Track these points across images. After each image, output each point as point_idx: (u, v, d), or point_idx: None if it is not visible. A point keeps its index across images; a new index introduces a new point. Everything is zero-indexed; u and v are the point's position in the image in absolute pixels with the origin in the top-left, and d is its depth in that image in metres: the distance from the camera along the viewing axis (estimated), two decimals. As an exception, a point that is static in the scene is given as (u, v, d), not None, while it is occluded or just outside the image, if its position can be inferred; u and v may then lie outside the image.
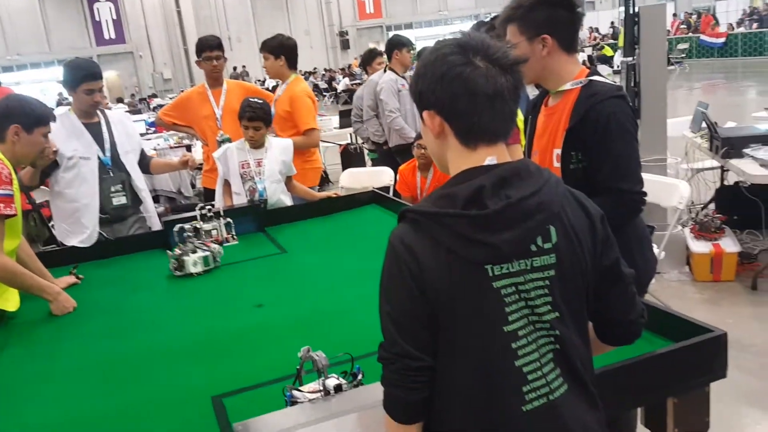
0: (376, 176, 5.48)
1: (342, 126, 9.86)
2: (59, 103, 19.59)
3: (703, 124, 5.69)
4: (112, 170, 3.82)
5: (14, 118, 2.97)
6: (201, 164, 5.42)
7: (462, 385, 1.37)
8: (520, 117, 2.95)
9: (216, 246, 3.32)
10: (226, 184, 4.07)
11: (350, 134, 9.61)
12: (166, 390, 2.09)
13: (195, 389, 2.04)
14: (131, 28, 33.88)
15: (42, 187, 3.99)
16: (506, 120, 1.41)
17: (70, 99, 3.86)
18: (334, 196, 4.30)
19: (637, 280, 1.58)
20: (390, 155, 6.16)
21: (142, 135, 8.14)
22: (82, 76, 3.67)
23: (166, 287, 3.13)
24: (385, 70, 6.24)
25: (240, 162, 3.98)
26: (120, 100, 21.53)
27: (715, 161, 5.51)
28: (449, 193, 1.37)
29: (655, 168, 5.06)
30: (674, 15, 30.16)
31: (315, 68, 33.99)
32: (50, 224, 4.21)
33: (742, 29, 26.24)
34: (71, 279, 3.21)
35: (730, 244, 5.05)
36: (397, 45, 6.13)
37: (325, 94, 27.80)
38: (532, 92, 2.75)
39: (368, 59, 6.95)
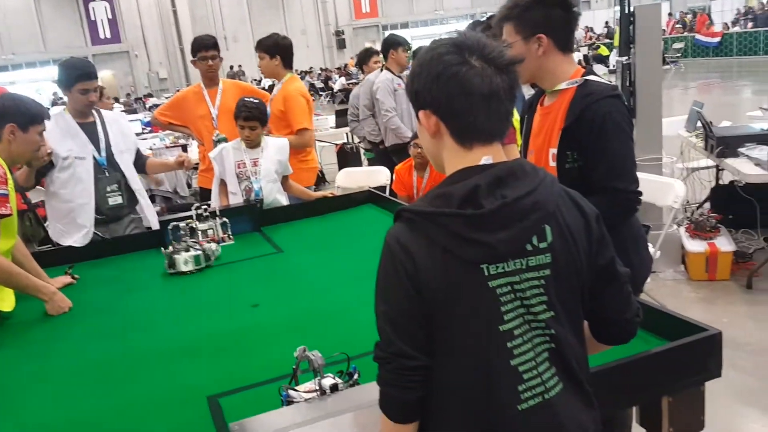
0: (373, 176, 5.48)
1: (338, 125, 9.85)
2: (54, 103, 19.56)
3: (699, 124, 5.71)
4: (107, 170, 3.81)
5: (9, 117, 2.97)
6: (197, 164, 5.41)
7: (457, 385, 1.37)
8: (516, 116, 2.95)
9: (211, 245, 3.32)
10: (222, 183, 4.06)
11: (346, 134, 9.61)
12: (163, 390, 2.09)
13: (191, 389, 2.04)
14: (127, 28, 33.81)
15: (37, 187, 3.98)
16: (502, 120, 1.41)
17: (65, 98, 3.85)
18: (330, 195, 4.30)
19: (632, 279, 1.58)
20: (386, 155, 6.16)
21: (137, 135, 8.14)
22: (77, 75, 3.66)
23: (161, 287, 3.13)
24: (381, 70, 6.24)
25: (236, 161, 3.98)
26: (116, 100, 21.48)
27: (711, 160, 5.53)
28: (445, 193, 1.37)
29: (651, 167, 5.07)
30: (669, 14, 30.21)
31: (311, 68, 33.97)
32: (45, 224, 4.20)
33: (737, 29, 26.29)
34: (67, 279, 3.21)
35: (725, 243, 5.06)
36: (393, 44, 6.13)
37: (321, 93, 27.79)
38: (527, 92, 2.75)
39: (364, 58, 6.95)
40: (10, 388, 2.23)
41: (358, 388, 1.69)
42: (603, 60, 23.52)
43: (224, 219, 3.64)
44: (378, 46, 6.93)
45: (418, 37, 30.13)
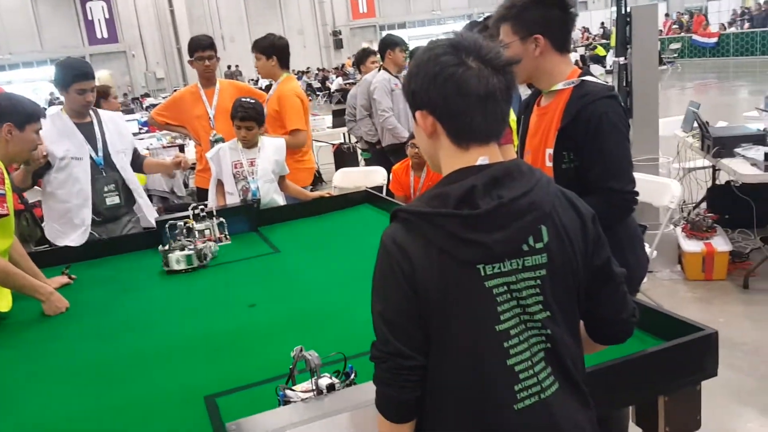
0: (369, 176, 5.49)
1: (335, 125, 9.85)
2: (51, 103, 19.52)
3: (695, 124, 5.72)
4: (104, 170, 3.81)
5: (6, 116, 2.96)
6: (194, 164, 5.41)
7: (454, 384, 1.38)
8: (513, 117, 2.96)
9: (206, 245, 3.31)
10: (219, 183, 4.06)
11: (343, 134, 9.61)
12: (160, 390, 2.09)
13: (188, 389, 2.04)
14: (124, 28, 33.77)
15: (35, 187, 3.98)
16: (498, 120, 1.42)
17: (62, 98, 3.85)
18: (327, 195, 4.30)
19: (628, 279, 1.58)
20: (383, 155, 6.16)
21: (134, 135, 8.12)
22: (74, 75, 3.66)
23: (158, 287, 3.13)
24: (379, 70, 6.24)
25: (233, 162, 3.98)
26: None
27: (707, 160, 5.54)
28: (441, 193, 1.37)
29: (647, 167, 5.08)
30: (666, 15, 30.27)
31: (308, 68, 33.97)
32: (42, 224, 4.20)
33: (733, 29, 26.34)
34: (64, 279, 3.20)
35: (721, 243, 5.07)
36: (390, 45, 6.12)
37: (318, 93, 27.77)
38: (524, 92, 2.76)
39: (362, 58, 6.95)
40: (7, 388, 2.23)
41: (354, 388, 1.69)
42: (600, 60, 23.55)
43: (221, 219, 3.64)
44: (375, 47, 6.92)
45: (415, 38, 30.16)
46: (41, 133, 3.20)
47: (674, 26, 28.98)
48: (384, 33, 27.23)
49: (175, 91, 7.78)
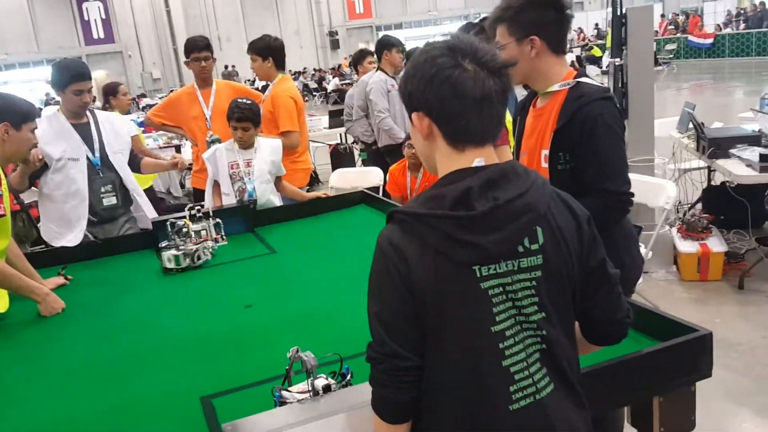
0: (366, 176, 5.49)
1: (332, 126, 9.85)
2: (47, 103, 19.49)
3: (690, 125, 5.73)
4: (101, 170, 3.80)
5: (2, 116, 2.96)
6: (190, 165, 5.41)
7: (449, 385, 1.38)
8: (509, 118, 2.96)
9: (200, 246, 3.31)
10: (216, 184, 4.06)
11: (340, 134, 9.61)
12: (156, 390, 2.09)
13: (184, 390, 2.04)
14: (120, 28, 33.72)
15: (31, 187, 3.98)
16: (494, 123, 1.42)
17: (58, 98, 3.84)
18: (324, 196, 4.30)
19: (623, 280, 1.59)
20: (379, 155, 6.17)
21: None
22: (71, 76, 3.65)
23: (155, 288, 3.13)
24: (376, 71, 6.24)
25: (229, 162, 3.98)
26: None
27: (702, 161, 5.55)
28: (437, 195, 1.38)
29: (643, 168, 5.10)
30: (662, 16, 30.29)
31: (305, 68, 33.94)
32: (39, 225, 4.19)
33: (729, 30, 26.39)
34: (60, 280, 3.20)
35: (716, 244, 5.08)
36: (386, 45, 6.13)
37: (315, 94, 27.78)
38: (520, 93, 2.76)
39: (359, 59, 6.96)
40: (3, 389, 2.23)
41: (350, 389, 1.69)
42: (596, 61, 23.60)
43: (218, 220, 3.63)
44: (372, 47, 6.92)
45: (412, 38, 30.15)
46: (37, 134, 3.19)
47: (670, 27, 29.03)
48: (380, 33, 27.27)
49: (171, 91, 7.79)
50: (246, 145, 3.97)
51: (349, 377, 1.73)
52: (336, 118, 9.54)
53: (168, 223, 3.41)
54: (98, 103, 7.33)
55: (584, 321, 1.54)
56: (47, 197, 3.75)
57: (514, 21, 2.32)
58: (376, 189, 5.10)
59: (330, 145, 9.51)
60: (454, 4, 40.14)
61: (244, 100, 3.97)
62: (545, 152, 2.36)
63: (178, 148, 8.44)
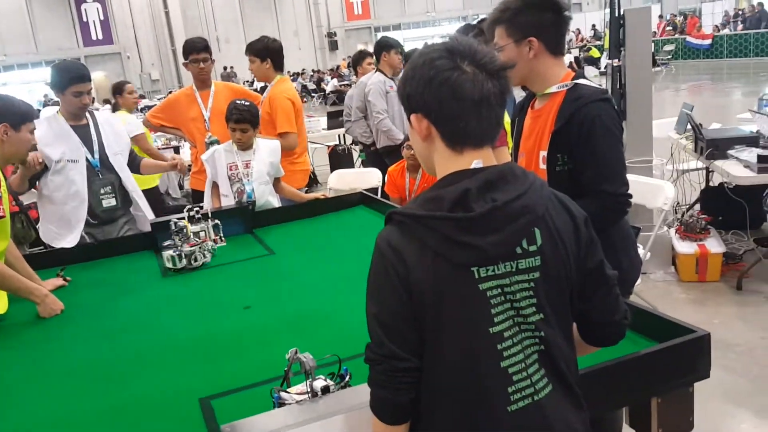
0: (364, 178, 5.49)
1: (330, 127, 9.85)
2: (45, 104, 19.49)
3: (689, 126, 5.73)
4: (101, 172, 3.80)
5: (1, 117, 2.96)
6: (189, 166, 5.41)
7: (448, 386, 1.38)
8: (507, 119, 2.97)
9: (197, 247, 3.31)
10: (214, 185, 4.07)
11: (338, 135, 9.61)
12: (154, 392, 2.09)
13: (183, 391, 2.04)
14: (119, 29, 33.73)
15: (31, 189, 3.98)
16: (492, 125, 1.42)
17: (56, 99, 3.84)
18: (322, 197, 4.31)
19: (621, 281, 1.60)
20: (378, 156, 6.17)
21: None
22: (70, 78, 3.66)
23: (153, 289, 3.14)
24: (375, 72, 6.25)
25: (228, 164, 3.98)
26: (107, 102, 21.50)
27: (700, 162, 5.55)
28: (436, 196, 1.38)
29: (641, 169, 5.10)
30: (660, 16, 30.32)
31: (303, 69, 33.95)
32: (37, 226, 4.19)
33: (727, 31, 26.42)
34: (58, 281, 3.20)
35: (715, 245, 5.08)
36: (385, 47, 6.14)
37: (313, 95, 27.78)
38: (519, 94, 2.77)
39: (358, 60, 6.97)
40: (3, 390, 2.23)
41: (349, 390, 1.69)
42: (594, 62, 23.62)
43: (216, 221, 3.63)
44: (370, 48, 6.93)
45: (410, 39, 30.20)
46: (37, 136, 3.19)
47: (668, 28, 29.06)
48: (379, 34, 27.27)
49: (170, 92, 7.79)
50: (245, 146, 3.98)
51: (347, 378, 1.73)
52: (334, 119, 9.55)
53: (171, 222, 3.42)
54: (97, 104, 7.33)
55: (582, 322, 1.54)
56: (47, 199, 3.76)
57: (512, 22, 2.33)
58: (374, 190, 5.11)
59: (328, 146, 9.52)
60: (452, 6, 40.17)
61: (243, 102, 3.98)
62: (543, 153, 2.36)
63: (176, 150, 8.45)
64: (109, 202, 3.83)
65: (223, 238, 3.64)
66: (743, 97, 14.97)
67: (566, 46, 2.61)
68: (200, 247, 3.33)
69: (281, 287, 2.99)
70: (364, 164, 6.98)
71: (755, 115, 5.54)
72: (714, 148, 5.01)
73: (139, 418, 1.94)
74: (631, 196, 2.29)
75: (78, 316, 2.85)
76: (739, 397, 3.54)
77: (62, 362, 2.41)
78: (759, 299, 4.70)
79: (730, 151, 4.92)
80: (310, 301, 2.75)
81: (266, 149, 4.05)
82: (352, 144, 8.54)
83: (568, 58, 19.53)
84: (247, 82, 25.12)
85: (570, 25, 2.47)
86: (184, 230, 3.39)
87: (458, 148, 1.42)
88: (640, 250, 2.91)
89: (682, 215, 5.70)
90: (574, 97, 2.28)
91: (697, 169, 6.13)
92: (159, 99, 17.49)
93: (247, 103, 3.97)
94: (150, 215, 4.02)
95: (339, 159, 9.05)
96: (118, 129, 4.10)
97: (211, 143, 4.25)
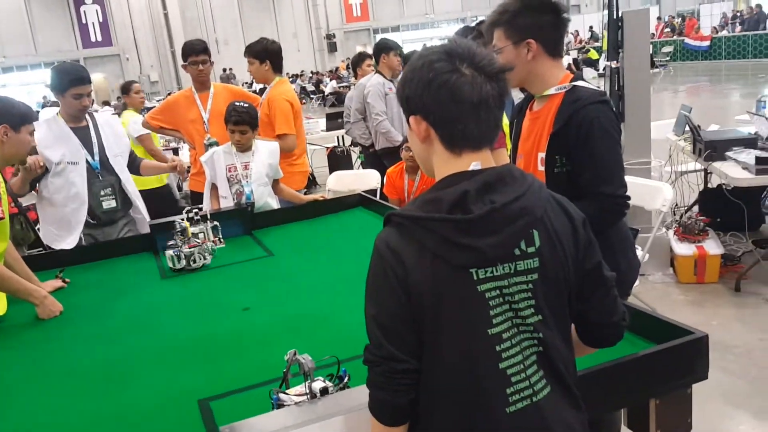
0: (363, 179, 5.49)
1: (329, 129, 9.85)
2: (44, 106, 19.49)
3: (687, 127, 5.74)
4: (101, 174, 3.81)
5: (1, 118, 2.96)
6: (188, 167, 5.41)
7: (446, 387, 1.38)
8: (506, 121, 2.97)
9: (195, 249, 3.31)
10: (214, 187, 4.07)
11: (337, 137, 9.62)
12: (153, 393, 2.09)
13: (182, 392, 2.04)
14: (118, 31, 33.75)
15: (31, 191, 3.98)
16: (491, 127, 1.43)
17: (56, 101, 3.85)
18: (321, 199, 4.31)
19: (620, 283, 1.60)
20: (377, 158, 6.17)
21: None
22: (70, 80, 3.66)
23: (152, 290, 3.14)
24: (374, 74, 6.25)
25: (227, 165, 3.99)
26: (107, 103, 21.45)
27: (699, 164, 5.56)
28: (434, 198, 1.38)
29: (639, 171, 5.10)
30: (659, 18, 30.36)
31: (302, 71, 33.97)
32: (36, 227, 4.19)
33: (725, 32, 26.45)
34: (58, 283, 3.20)
35: (713, 246, 5.09)
36: (384, 49, 6.14)
37: (312, 96, 27.80)
38: (517, 96, 2.77)
39: (358, 62, 6.97)
40: (3, 390, 2.23)
41: (348, 392, 1.69)
42: (593, 63, 23.64)
43: (215, 222, 3.64)
44: (369, 50, 6.94)
45: (409, 41, 30.22)
46: (37, 138, 3.20)
47: (666, 29, 29.10)
48: (378, 36, 27.27)
49: (169, 94, 7.79)
50: (243, 148, 3.98)
51: (346, 380, 1.73)
52: (333, 121, 9.56)
53: (176, 222, 3.42)
54: (96, 106, 7.34)
55: (580, 323, 1.54)
56: (47, 201, 3.76)
57: (511, 24, 2.33)
58: (373, 192, 5.11)
59: (327, 147, 9.52)
60: (451, 7, 40.20)
61: (242, 104, 3.98)
62: (542, 155, 2.37)
63: (175, 151, 8.45)
64: (109, 203, 3.84)
65: (222, 240, 3.65)
66: (741, 99, 14.99)
67: (565, 48, 2.62)
68: (199, 249, 3.33)
69: (280, 289, 3.00)
70: (363, 166, 6.98)
71: (753, 116, 5.55)
72: (712, 149, 5.02)
73: (138, 420, 1.94)
74: (629, 197, 2.30)
75: (77, 318, 2.85)
76: (737, 398, 3.55)
77: (61, 363, 2.41)
78: (757, 301, 4.70)
79: (729, 153, 4.93)
80: (308, 303, 2.76)
81: (265, 151, 4.05)
82: (350, 146, 8.54)
83: (566, 60, 19.54)
84: (246, 83, 25.13)
85: (568, 27, 2.47)
86: (186, 231, 3.40)
87: (457, 150, 1.42)
88: (639, 252, 2.91)
89: (681, 217, 5.70)
90: (573, 99, 2.28)
91: (696, 171, 6.14)
92: (158, 101, 17.49)
93: (246, 105, 3.97)
94: (147, 217, 4.03)
95: (338, 160, 9.06)
96: (118, 131, 4.10)
97: (210, 145, 4.25)
